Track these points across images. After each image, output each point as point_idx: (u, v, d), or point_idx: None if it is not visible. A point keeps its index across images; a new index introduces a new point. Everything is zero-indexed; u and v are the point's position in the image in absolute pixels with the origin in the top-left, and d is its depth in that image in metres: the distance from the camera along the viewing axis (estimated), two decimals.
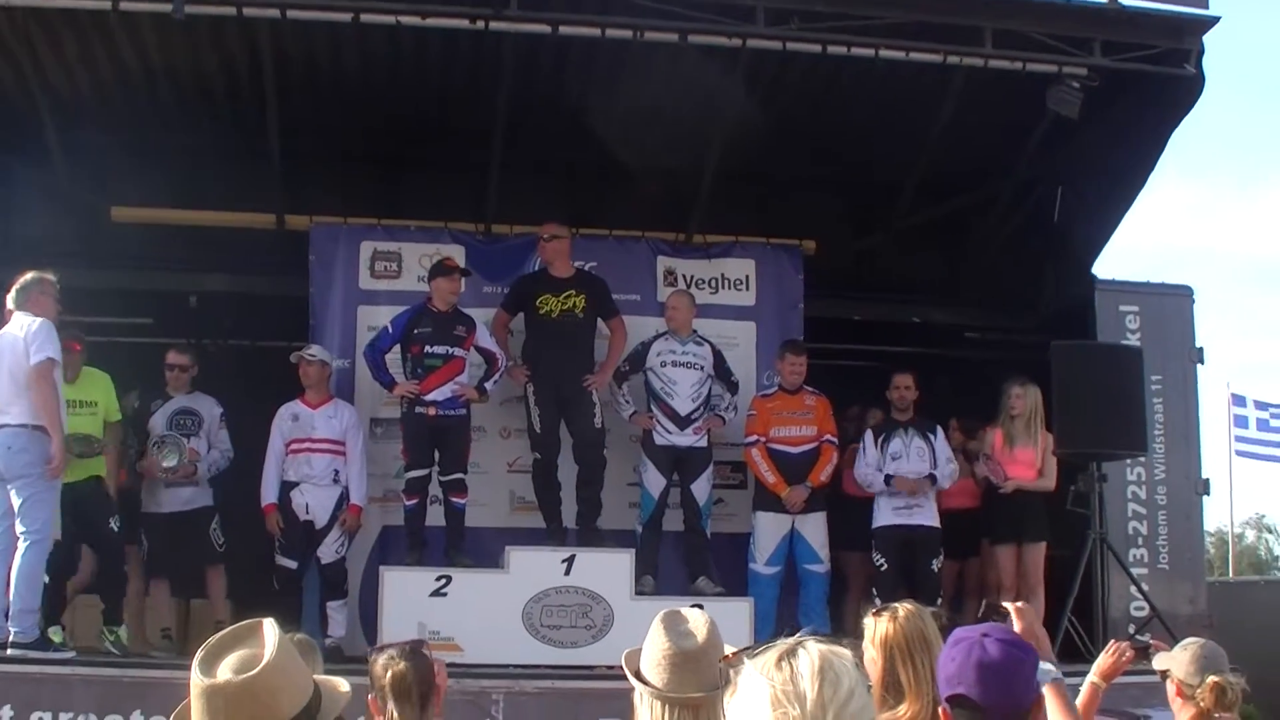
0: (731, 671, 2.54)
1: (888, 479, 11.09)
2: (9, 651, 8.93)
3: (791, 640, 2.50)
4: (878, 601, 10.38)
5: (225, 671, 2.77)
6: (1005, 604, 3.95)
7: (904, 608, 4.30)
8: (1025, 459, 11.26)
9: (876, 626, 4.19)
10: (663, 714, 3.61)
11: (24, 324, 9.25)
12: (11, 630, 8.98)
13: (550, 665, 9.79)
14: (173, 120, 12.16)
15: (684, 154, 12.04)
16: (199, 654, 2.82)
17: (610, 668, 9.33)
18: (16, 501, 9.08)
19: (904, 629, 4.19)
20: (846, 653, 2.50)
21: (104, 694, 8.79)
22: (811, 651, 2.45)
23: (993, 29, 10.71)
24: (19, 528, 9.07)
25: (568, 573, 10.14)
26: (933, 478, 11.09)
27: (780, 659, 2.45)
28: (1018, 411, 11.27)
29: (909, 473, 11.11)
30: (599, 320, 11.35)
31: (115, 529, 10.23)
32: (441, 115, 11.93)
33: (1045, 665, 3.53)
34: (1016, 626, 3.78)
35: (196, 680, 2.77)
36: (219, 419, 11.16)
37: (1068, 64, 10.83)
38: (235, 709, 2.73)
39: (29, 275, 9.49)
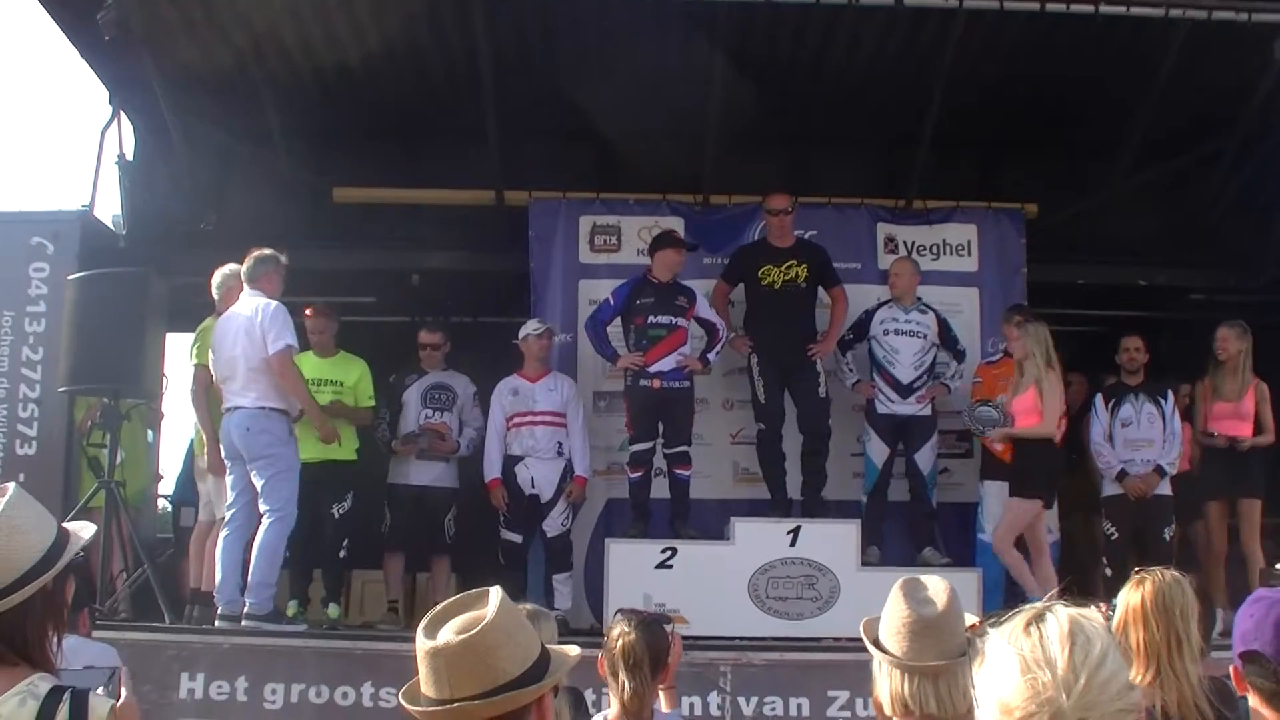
0: (979, 640, 2.48)
1: (1121, 475, 10.77)
2: (244, 624, 9.21)
3: (1039, 604, 2.44)
4: (1108, 572, 10.33)
5: (448, 633, 2.82)
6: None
7: (1163, 574, 4.24)
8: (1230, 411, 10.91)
9: (1126, 590, 4.14)
10: (902, 683, 3.60)
11: (255, 306, 9.43)
12: (248, 602, 9.25)
13: (777, 637, 9.77)
14: (390, 100, 12.36)
15: (901, 119, 11.89)
16: (424, 621, 2.88)
17: (837, 639, 9.33)
18: (259, 481, 9.34)
19: (1150, 595, 4.13)
20: (1097, 615, 2.43)
21: (336, 666, 9.04)
22: (1059, 616, 2.39)
23: None
24: (262, 505, 9.34)
25: (793, 544, 10.14)
26: (1160, 469, 10.72)
27: (1028, 625, 2.39)
28: (1225, 355, 10.91)
29: (1139, 439, 10.79)
30: (820, 289, 11.27)
31: (340, 513, 10.55)
32: (655, 89, 11.91)
33: None
34: None
35: (421, 645, 2.83)
36: (473, 397, 11.30)
37: None
38: (456, 668, 2.78)
39: (264, 252, 9.68)
